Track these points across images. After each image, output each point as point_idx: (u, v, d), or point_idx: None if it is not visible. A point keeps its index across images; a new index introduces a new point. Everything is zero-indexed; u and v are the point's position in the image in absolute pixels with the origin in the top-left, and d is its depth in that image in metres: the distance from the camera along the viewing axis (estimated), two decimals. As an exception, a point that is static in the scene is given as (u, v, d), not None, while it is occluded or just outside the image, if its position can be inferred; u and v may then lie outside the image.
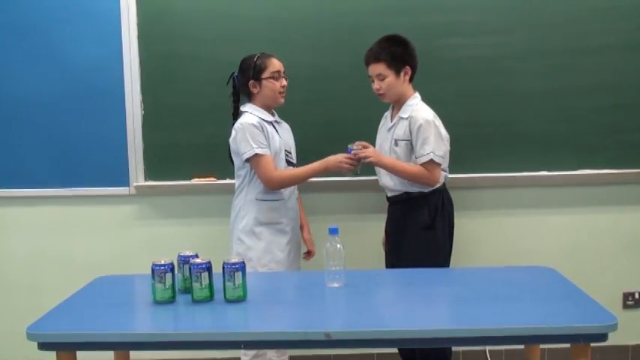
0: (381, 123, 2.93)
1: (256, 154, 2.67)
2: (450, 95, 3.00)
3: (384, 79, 2.70)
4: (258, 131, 2.69)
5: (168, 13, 3.12)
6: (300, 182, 2.82)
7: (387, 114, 2.89)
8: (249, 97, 2.81)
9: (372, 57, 2.72)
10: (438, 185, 2.72)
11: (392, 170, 2.72)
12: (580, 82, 3.14)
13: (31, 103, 3.19)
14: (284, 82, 2.77)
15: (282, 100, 2.80)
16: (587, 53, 3.12)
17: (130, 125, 3.18)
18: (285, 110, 2.91)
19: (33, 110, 3.20)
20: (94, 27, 3.15)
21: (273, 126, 2.80)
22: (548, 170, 3.20)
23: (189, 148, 3.18)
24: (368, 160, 2.69)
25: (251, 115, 2.76)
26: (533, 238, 3.29)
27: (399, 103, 2.78)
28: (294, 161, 2.88)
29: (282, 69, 2.77)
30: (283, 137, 2.83)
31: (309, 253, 3.01)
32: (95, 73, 3.17)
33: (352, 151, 2.67)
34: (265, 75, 2.74)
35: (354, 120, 3.15)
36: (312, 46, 3.11)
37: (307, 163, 2.81)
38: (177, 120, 3.17)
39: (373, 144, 2.82)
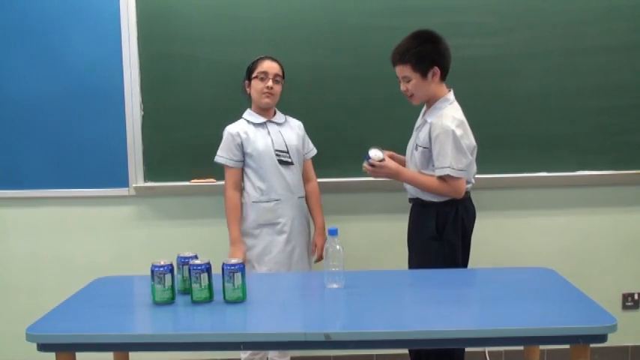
0: (418, 119, 2.77)
1: (220, 163, 2.83)
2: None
3: (410, 81, 2.55)
4: (231, 141, 2.81)
5: (168, 14, 3.12)
6: (227, 219, 2.84)
7: (423, 110, 2.73)
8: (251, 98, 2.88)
9: (398, 58, 2.55)
10: (460, 196, 2.57)
11: (412, 184, 2.61)
12: (580, 84, 3.14)
13: (31, 103, 3.19)
14: (269, 84, 2.78)
15: (268, 101, 2.81)
16: (586, 54, 3.13)
17: (130, 126, 3.18)
18: (284, 111, 2.92)
19: (32, 111, 3.20)
20: (94, 27, 3.14)
21: (267, 127, 2.83)
22: (548, 171, 3.20)
23: (188, 148, 3.18)
24: (382, 177, 2.61)
25: (241, 121, 2.87)
26: (533, 239, 3.29)
27: (430, 102, 2.62)
28: (292, 160, 2.86)
29: (271, 71, 2.79)
30: (278, 137, 2.84)
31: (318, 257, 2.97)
32: (94, 73, 3.17)
33: (370, 161, 2.57)
34: (253, 75, 2.80)
35: (354, 121, 3.15)
36: (312, 46, 3.11)
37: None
38: (177, 121, 3.17)
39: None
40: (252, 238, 2.84)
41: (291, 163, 2.86)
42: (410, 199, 2.73)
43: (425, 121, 2.59)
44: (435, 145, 2.50)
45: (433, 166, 2.54)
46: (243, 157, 2.82)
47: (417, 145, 2.61)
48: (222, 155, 2.83)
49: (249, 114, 2.88)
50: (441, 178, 2.51)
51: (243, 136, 2.80)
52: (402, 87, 2.60)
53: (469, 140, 2.55)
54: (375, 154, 2.57)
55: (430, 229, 2.56)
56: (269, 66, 2.80)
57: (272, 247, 2.82)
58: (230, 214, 2.83)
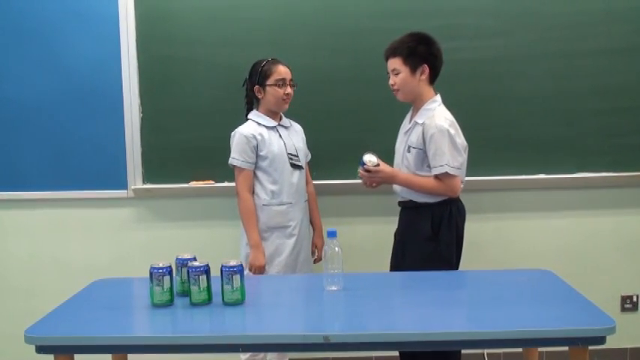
0: (403, 124, 2.81)
1: (234, 166, 2.79)
2: (448, 98, 2.97)
3: (398, 74, 2.60)
4: (246, 143, 2.77)
5: (167, 16, 3.12)
6: (244, 223, 2.82)
7: (408, 115, 2.78)
8: (257, 102, 2.85)
9: (390, 51, 2.62)
10: (456, 195, 2.62)
11: (408, 186, 2.62)
12: (579, 86, 3.14)
13: (30, 105, 3.19)
14: (288, 90, 2.80)
15: (286, 107, 2.84)
16: (585, 56, 3.13)
17: (129, 128, 3.18)
18: (284, 113, 2.92)
19: (31, 113, 3.20)
20: (93, 30, 3.15)
21: (278, 130, 2.83)
22: (547, 173, 3.20)
23: (187, 151, 3.18)
24: (378, 183, 2.65)
25: (250, 123, 2.84)
26: (532, 241, 3.29)
27: (417, 105, 2.66)
28: (301, 164, 2.88)
29: (288, 76, 2.80)
30: (289, 140, 2.86)
31: (318, 258, 3.02)
32: (93, 75, 3.17)
33: (364, 166, 2.59)
34: (269, 82, 2.78)
35: (353, 123, 3.15)
36: (311, 49, 3.12)
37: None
38: (176, 123, 3.17)
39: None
40: (262, 240, 2.83)
41: (301, 167, 2.88)
42: (400, 202, 2.75)
43: (415, 123, 2.62)
44: (431, 144, 2.53)
45: (428, 166, 2.57)
46: (256, 159, 2.81)
47: (409, 147, 2.63)
48: (238, 157, 2.78)
49: (258, 116, 2.84)
50: (437, 177, 2.55)
51: (259, 138, 2.78)
52: (390, 80, 2.64)
53: (461, 139, 2.60)
54: (369, 159, 2.59)
55: (426, 231, 2.58)
56: (285, 72, 2.80)
57: (282, 249, 2.83)
58: (247, 217, 2.80)
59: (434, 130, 2.53)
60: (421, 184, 2.59)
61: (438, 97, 2.65)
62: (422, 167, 2.60)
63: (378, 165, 2.59)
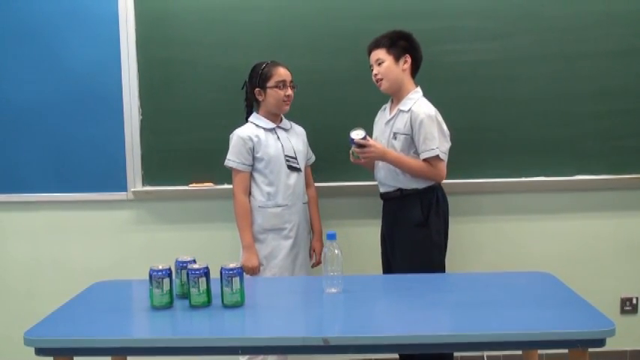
0: (378, 117, 2.91)
1: (231, 167, 2.81)
2: (448, 100, 2.99)
3: (382, 63, 2.69)
4: (242, 145, 2.79)
5: (167, 18, 3.12)
6: (238, 224, 2.83)
7: (386, 107, 2.86)
8: (257, 104, 2.86)
9: (373, 44, 2.74)
10: (442, 180, 2.70)
11: (398, 165, 2.67)
12: (578, 88, 3.14)
13: (29, 107, 3.19)
14: (289, 92, 2.81)
15: (287, 108, 2.85)
16: (585, 59, 3.13)
17: (128, 130, 3.18)
18: (284, 114, 2.92)
19: (31, 115, 3.20)
20: (93, 32, 3.15)
21: (276, 132, 2.84)
22: (547, 176, 3.20)
23: (187, 153, 3.18)
24: (371, 159, 2.69)
25: (249, 125, 2.85)
26: (532, 244, 3.29)
27: (398, 96, 2.74)
28: (300, 166, 2.88)
29: (288, 78, 2.81)
30: (287, 142, 2.86)
31: (316, 262, 3.01)
32: (93, 78, 3.17)
33: (355, 141, 2.62)
34: (270, 84, 2.78)
35: (352, 123, 3.14)
36: (310, 51, 3.12)
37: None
38: (176, 125, 3.17)
39: None
40: (258, 242, 2.83)
41: (300, 169, 2.88)
42: (384, 193, 2.79)
43: (399, 111, 2.71)
44: (421, 130, 2.62)
45: (415, 152, 2.66)
46: (253, 161, 2.82)
47: (394, 133, 2.70)
48: (233, 159, 2.80)
49: (257, 118, 2.86)
50: (427, 161, 2.63)
51: (255, 140, 2.79)
52: (374, 71, 2.73)
53: (446, 127, 2.70)
54: (357, 134, 2.64)
55: (417, 217, 2.66)
56: (285, 73, 2.81)
57: (278, 251, 2.83)
58: (241, 219, 2.81)
59: (423, 115, 2.62)
60: (411, 164, 2.66)
61: (420, 89, 2.75)
62: (408, 153, 2.68)
63: (365, 138, 2.62)
